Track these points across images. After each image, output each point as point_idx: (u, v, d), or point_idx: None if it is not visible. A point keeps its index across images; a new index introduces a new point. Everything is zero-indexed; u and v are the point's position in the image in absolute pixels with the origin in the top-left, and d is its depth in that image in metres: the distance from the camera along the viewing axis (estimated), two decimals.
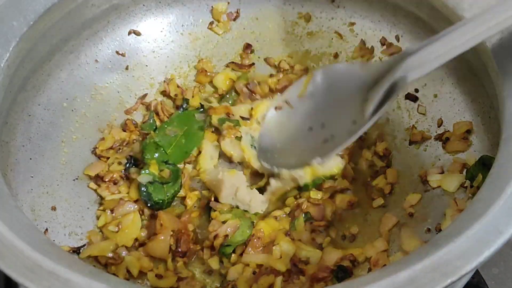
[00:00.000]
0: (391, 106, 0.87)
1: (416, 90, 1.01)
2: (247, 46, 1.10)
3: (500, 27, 0.75)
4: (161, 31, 1.08)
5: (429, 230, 0.87)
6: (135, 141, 1.00)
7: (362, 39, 1.07)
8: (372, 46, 1.06)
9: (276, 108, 0.99)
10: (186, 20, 1.09)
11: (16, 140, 0.90)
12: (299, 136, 0.96)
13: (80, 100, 1.00)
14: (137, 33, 1.06)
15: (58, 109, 0.97)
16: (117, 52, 1.04)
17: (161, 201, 0.93)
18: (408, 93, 1.01)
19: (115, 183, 0.95)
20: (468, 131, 0.92)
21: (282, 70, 1.09)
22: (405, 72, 0.80)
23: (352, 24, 1.07)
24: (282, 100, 0.98)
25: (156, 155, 0.96)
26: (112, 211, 0.92)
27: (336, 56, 1.08)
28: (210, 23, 1.10)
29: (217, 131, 1.01)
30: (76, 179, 0.95)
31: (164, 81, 1.07)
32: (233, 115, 1.01)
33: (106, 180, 0.95)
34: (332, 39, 1.08)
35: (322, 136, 0.93)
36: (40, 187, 0.90)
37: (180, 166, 0.98)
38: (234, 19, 1.11)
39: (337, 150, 0.91)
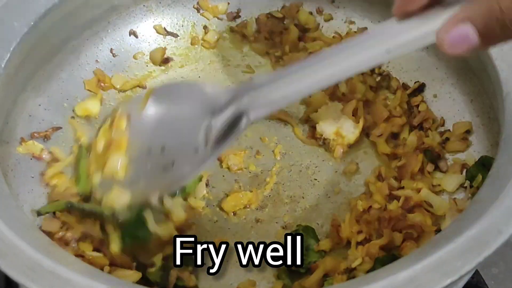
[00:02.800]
0: (233, 141, 0.78)
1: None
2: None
3: (377, 60, 0.66)
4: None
5: None
6: None
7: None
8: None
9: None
10: (187, 21, 1.09)
11: (16, 140, 0.90)
12: (138, 158, 0.86)
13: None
14: (136, 35, 1.06)
15: (58, 110, 0.97)
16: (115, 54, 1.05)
17: None
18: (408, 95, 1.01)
19: None
20: (468, 131, 0.92)
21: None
22: (248, 106, 0.75)
23: (352, 24, 1.07)
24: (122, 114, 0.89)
25: None
26: None
27: None
28: (210, 24, 1.10)
29: None
30: None
31: None
32: None
33: None
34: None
35: (162, 161, 0.85)
36: (41, 187, 0.90)
37: None
38: (234, 19, 1.11)
39: (176, 186, 0.87)
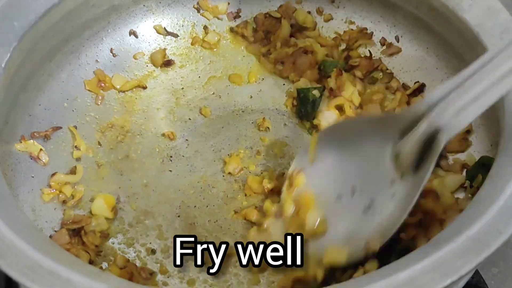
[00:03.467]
0: (433, 165, 0.73)
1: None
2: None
3: None
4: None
5: None
6: None
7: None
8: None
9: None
10: (187, 21, 1.09)
11: (16, 140, 0.90)
12: (328, 208, 0.83)
13: (81, 100, 1.00)
14: (136, 35, 1.06)
15: (58, 110, 0.97)
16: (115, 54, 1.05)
17: None
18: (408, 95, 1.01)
19: None
20: (468, 131, 0.92)
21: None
22: (439, 124, 0.70)
23: (352, 24, 1.07)
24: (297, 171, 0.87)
25: None
26: None
27: None
28: (211, 24, 1.10)
29: None
30: None
31: None
32: None
33: None
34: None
35: (358, 204, 0.81)
36: (41, 187, 0.90)
37: None
38: (234, 19, 1.11)
39: (393, 227, 0.77)
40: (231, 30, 1.10)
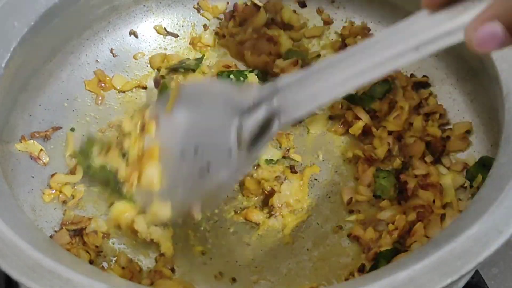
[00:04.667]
0: (266, 145, 0.78)
1: None
2: None
3: (406, 58, 0.64)
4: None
5: None
6: None
7: None
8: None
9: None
10: (187, 21, 1.09)
11: (17, 140, 0.90)
12: (169, 161, 0.84)
13: (81, 100, 1.00)
14: (137, 35, 1.06)
15: (58, 110, 0.97)
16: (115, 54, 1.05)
17: None
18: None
19: None
20: (468, 131, 0.92)
21: None
22: (278, 109, 0.73)
23: (352, 24, 1.07)
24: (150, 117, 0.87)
25: None
26: None
27: None
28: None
29: None
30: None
31: None
32: None
33: None
34: (332, 39, 1.08)
35: (196, 164, 0.82)
36: (41, 187, 0.90)
37: None
38: (232, 18, 1.11)
39: (216, 196, 0.83)
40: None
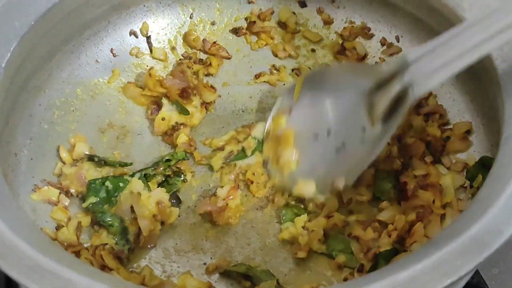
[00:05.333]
0: (402, 117, 0.79)
1: None
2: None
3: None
4: (162, 32, 1.08)
5: None
6: None
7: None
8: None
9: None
10: (187, 21, 1.09)
11: (17, 140, 0.90)
12: (305, 145, 0.92)
13: (81, 100, 1.00)
14: (137, 35, 1.06)
15: (58, 109, 0.97)
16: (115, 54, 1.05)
17: None
18: None
19: None
20: (468, 131, 0.92)
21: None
22: (411, 82, 0.75)
23: (352, 24, 1.07)
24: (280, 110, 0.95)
25: None
26: None
27: None
28: (211, 23, 1.10)
29: None
30: None
31: None
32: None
33: None
34: (332, 40, 1.08)
35: (332, 144, 0.89)
36: (41, 187, 0.90)
37: None
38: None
39: (358, 168, 0.86)
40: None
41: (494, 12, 0.71)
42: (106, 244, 0.86)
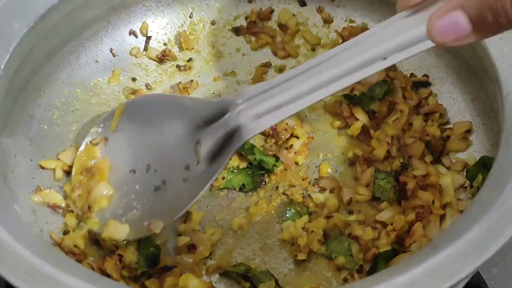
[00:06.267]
0: (230, 157, 0.78)
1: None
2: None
3: (374, 67, 0.65)
4: (162, 31, 1.08)
5: None
6: None
7: None
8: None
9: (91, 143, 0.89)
10: (187, 20, 1.09)
11: (16, 141, 0.90)
12: (121, 181, 0.86)
13: (81, 100, 1.00)
14: (136, 34, 1.06)
15: (58, 110, 0.97)
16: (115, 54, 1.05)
17: None
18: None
19: None
20: (468, 131, 0.92)
21: None
22: (239, 125, 0.74)
23: (352, 23, 1.07)
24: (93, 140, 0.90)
25: None
26: None
27: None
28: (211, 22, 1.10)
29: None
30: None
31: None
32: None
33: None
34: (332, 39, 1.08)
35: (150, 182, 0.84)
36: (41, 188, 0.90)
37: None
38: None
39: (175, 211, 0.81)
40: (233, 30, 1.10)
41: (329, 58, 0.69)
42: (122, 255, 0.84)
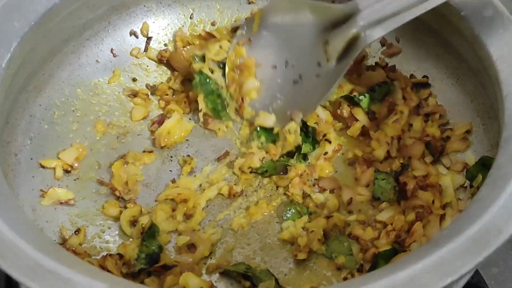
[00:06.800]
0: (354, 58, 0.87)
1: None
2: None
3: None
4: (162, 32, 1.08)
5: None
6: None
7: None
8: None
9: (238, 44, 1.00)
10: (187, 21, 1.09)
11: (17, 140, 0.90)
12: (265, 75, 0.97)
13: (81, 100, 1.00)
14: (137, 35, 1.06)
15: (59, 109, 0.97)
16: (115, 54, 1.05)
17: None
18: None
19: None
20: (468, 131, 0.92)
21: None
22: (364, 27, 0.84)
23: None
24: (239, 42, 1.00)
25: None
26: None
27: None
28: (211, 23, 1.10)
29: None
30: (77, 179, 0.94)
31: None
32: None
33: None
34: None
35: (289, 76, 0.95)
36: (41, 187, 0.90)
37: None
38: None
39: (313, 104, 0.93)
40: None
41: None
42: (122, 255, 0.85)
